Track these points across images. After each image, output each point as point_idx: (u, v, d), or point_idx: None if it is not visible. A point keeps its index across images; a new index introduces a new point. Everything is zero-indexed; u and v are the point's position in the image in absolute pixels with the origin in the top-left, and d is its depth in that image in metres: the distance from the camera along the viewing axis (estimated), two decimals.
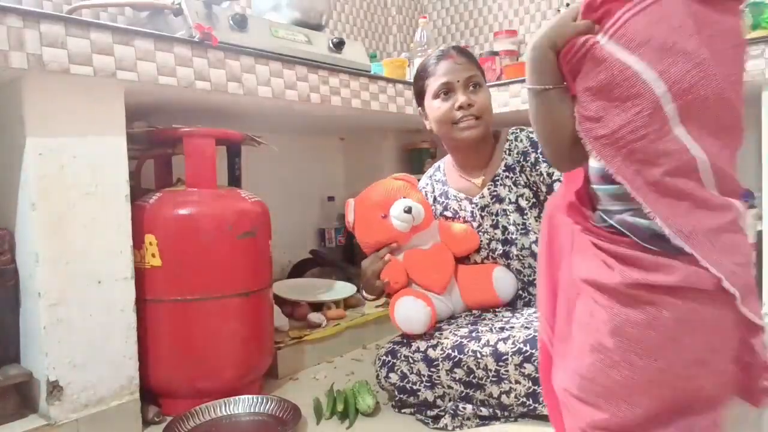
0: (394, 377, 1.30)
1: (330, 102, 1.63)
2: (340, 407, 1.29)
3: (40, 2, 1.63)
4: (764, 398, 0.67)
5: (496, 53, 2.41)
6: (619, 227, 0.66)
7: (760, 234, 1.74)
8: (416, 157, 2.53)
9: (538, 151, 1.37)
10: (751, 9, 1.77)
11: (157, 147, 1.47)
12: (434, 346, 1.27)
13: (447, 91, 1.35)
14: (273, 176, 2.18)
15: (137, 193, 1.36)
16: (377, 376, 1.33)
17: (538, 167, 1.36)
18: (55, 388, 1.12)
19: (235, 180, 1.61)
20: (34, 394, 1.16)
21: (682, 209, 0.62)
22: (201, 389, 1.32)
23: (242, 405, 1.31)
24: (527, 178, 1.38)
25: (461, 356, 1.22)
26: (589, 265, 0.68)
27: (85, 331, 1.17)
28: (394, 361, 1.31)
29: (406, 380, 1.28)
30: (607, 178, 0.67)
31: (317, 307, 1.86)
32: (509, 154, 1.41)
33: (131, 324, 1.24)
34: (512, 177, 1.39)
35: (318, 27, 1.81)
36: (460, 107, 1.33)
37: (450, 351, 1.24)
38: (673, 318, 0.62)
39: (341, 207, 2.56)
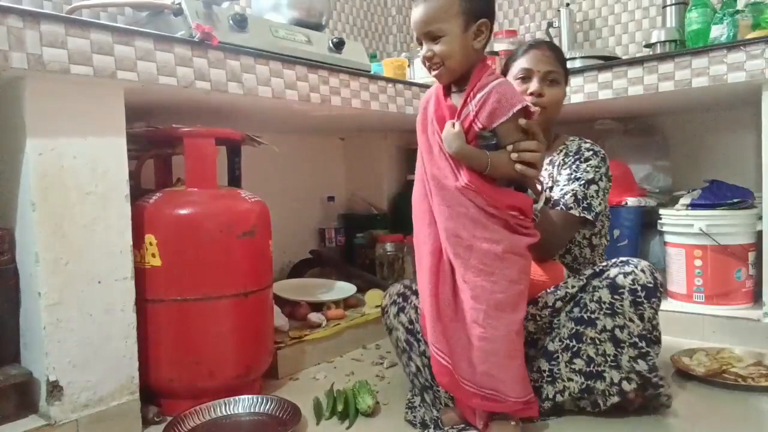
0: (403, 317, 1.37)
1: (330, 102, 1.63)
2: (340, 407, 1.30)
3: (40, 2, 1.63)
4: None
5: (496, 53, 2.41)
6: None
7: (760, 234, 1.74)
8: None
9: (572, 160, 1.43)
10: (751, 9, 1.77)
11: (157, 147, 1.47)
12: None
13: (525, 76, 1.42)
14: (273, 176, 2.18)
15: (137, 193, 1.36)
16: (385, 311, 1.42)
17: (559, 174, 1.43)
18: (55, 388, 1.12)
19: (235, 180, 1.61)
20: (34, 394, 1.16)
21: None
22: (201, 389, 1.32)
23: (242, 405, 1.31)
24: (555, 177, 1.44)
25: None
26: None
27: (85, 331, 1.17)
28: (405, 304, 1.38)
29: (413, 325, 1.35)
30: None
31: (317, 307, 1.86)
32: (559, 153, 1.46)
33: (131, 324, 1.24)
34: (550, 171, 1.46)
35: (318, 27, 1.81)
36: (531, 94, 1.39)
37: None
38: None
39: (341, 207, 2.57)
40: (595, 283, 1.23)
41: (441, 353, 1.12)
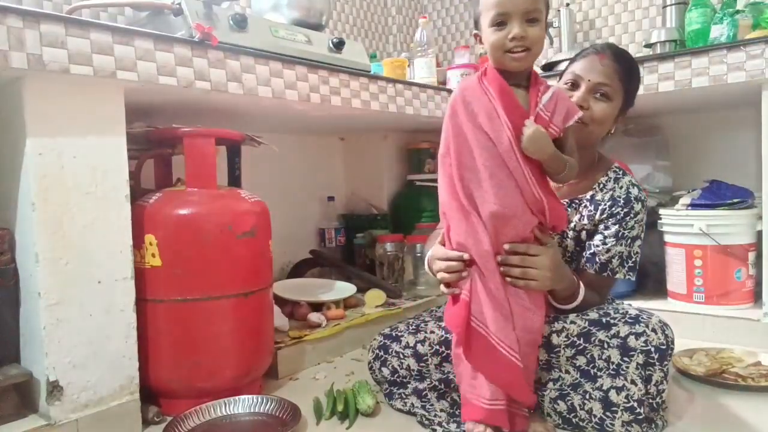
0: (385, 371, 1.35)
1: (330, 102, 1.63)
2: (340, 407, 1.30)
3: (40, 2, 1.63)
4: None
5: None
6: None
7: (760, 234, 1.74)
8: (416, 157, 2.53)
9: (622, 213, 1.27)
10: (751, 9, 1.77)
11: (157, 147, 1.47)
12: (422, 342, 1.31)
13: (573, 83, 1.31)
14: (273, 176, 2.18)
15: (137, 193, 1.36)
16: (371, 368, 1.39)
17: (604, 225, 1.29)
18: (55, 388, 1.12)
19: (235, 180, 1.61)
20: (34, 394, 1.16)
21: None
22: (201, 389, 1.32)
23: (242, 405, 1.31)
24: (596, 220, 1.30)
25: (449, 351, 1.24)
26: None
27: (85, 331, 1.17)
28: (386, 356, 1.35)
29: (396, 375, 1.34)
30: None
31: (317, 307, 1.86)
32: (601, 189, 1.31)
33: (131, 324, 1.24)
34: (590, 210, 1.31)
35: (318, 27, 1.81)
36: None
37: (437, 347, 1.29)
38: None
39: (341, 207, 2.57)
40: (602, 336, 1.16)
41: (512, 350, 1.07)
